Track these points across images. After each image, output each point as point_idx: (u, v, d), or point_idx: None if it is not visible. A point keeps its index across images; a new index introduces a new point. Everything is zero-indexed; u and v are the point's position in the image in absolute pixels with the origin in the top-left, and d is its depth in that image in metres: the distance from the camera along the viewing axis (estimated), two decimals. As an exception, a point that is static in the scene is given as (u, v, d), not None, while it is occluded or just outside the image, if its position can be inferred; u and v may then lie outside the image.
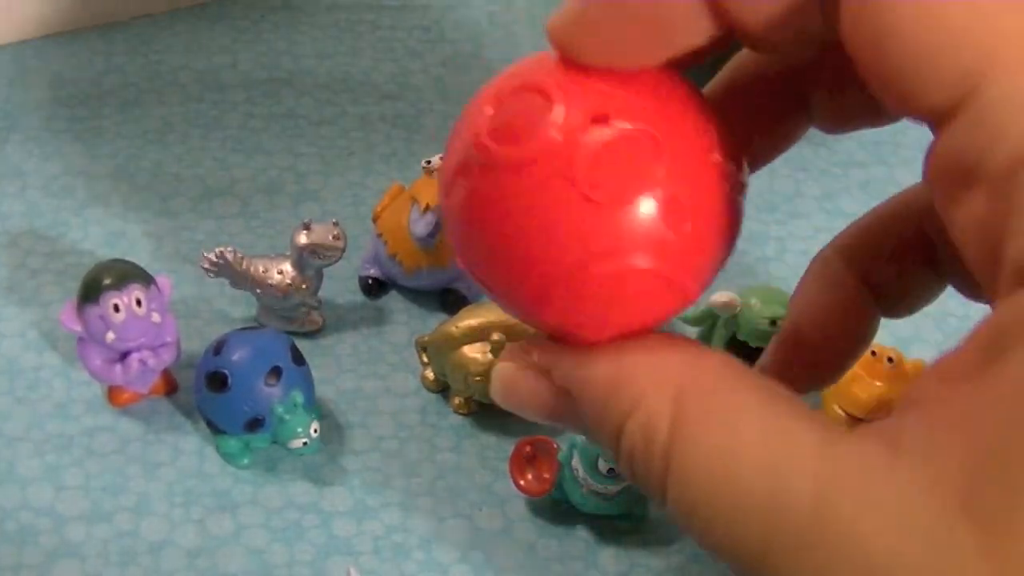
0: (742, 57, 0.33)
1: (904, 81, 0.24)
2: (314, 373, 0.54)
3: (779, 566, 0.24)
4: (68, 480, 0.53)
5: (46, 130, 0.68)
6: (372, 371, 0.58)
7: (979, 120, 0.23)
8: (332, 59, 0.74)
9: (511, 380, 0.32)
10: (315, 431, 0.51)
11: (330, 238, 0.56)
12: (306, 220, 0.56)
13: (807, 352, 0.35)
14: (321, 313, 0.59)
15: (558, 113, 0.24)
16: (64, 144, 0.67)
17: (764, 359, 0.35)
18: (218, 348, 0.52)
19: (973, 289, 0.31)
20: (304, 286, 0.57)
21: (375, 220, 0.60)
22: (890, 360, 0.52)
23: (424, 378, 0.57)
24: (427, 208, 0.57)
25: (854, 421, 0.54)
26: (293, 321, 0.58)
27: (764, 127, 0.32)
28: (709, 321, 0.56)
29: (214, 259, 0.57)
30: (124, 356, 0.52)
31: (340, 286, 0.61)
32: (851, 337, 0.35)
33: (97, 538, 0.51)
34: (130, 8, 0.75)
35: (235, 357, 0.51)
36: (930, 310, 0.63)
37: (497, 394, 0.32)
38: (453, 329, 0.54)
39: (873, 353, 0.53)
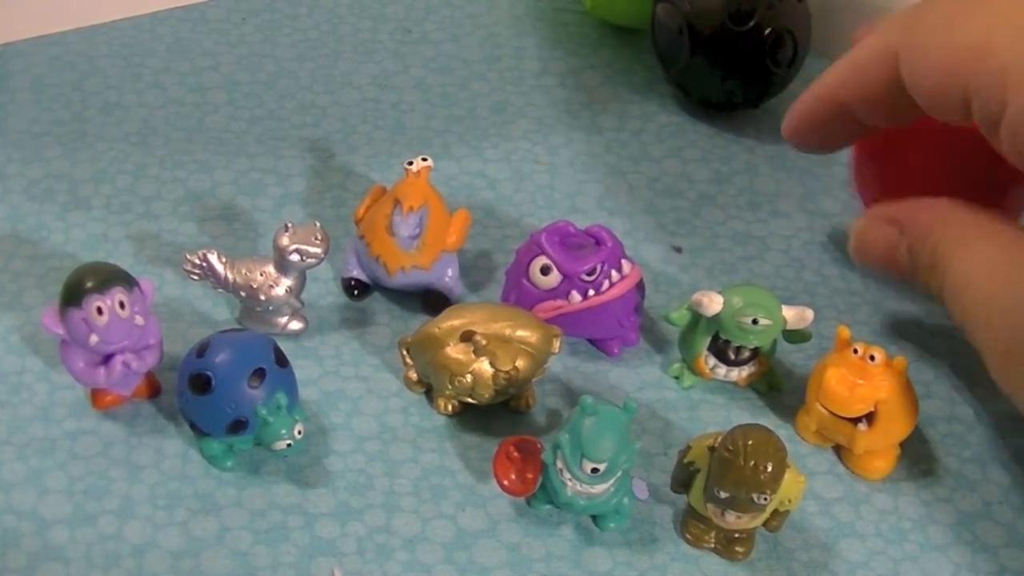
0: None
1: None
2: (297, 375, 0.54)
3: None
4: (51, 483, 0.52)
5: (27, 133, 0.68)
6: (355, 372, 0.58)
7: None
8: (314, 61, 0.74)
9: (863, 229, 0.56)
10: (299, 433, 0.51)
11: (312, 240, 0.56)
12: (288, 222, 0.56)
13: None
14: (304, 315, 0.59)
15: None
16: (46, 147, 0.67)
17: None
18: (201, 350, 0.52)
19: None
20: (286, 288, 0.57)
21: (357, 222, 0.60)
22: (872, 358, 0.53)
23: (407, 379, 0.57)
24: (410, 209, 0.57)
25: (838, 420, 0.54)
26: (276, 323, 0.58)
27: None
28: (692, 320, 0.56)
29: (196, 261, 0.57)
30: (107, 359, 0.52)
31: (322, 288, 0.61)
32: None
33: (80, 541, 0.51)
34: (112, 11, 0.75)
35: (218, 359, 0.51)
36: (913, 309, 0.63)
37: (852, 244, 0.56)
38: (436, 330, 0.54)
39: (855, 351, 0.53)
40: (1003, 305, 0.48)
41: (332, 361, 0.58)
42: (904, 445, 0.55)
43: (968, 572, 0.52)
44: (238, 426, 0.51)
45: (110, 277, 0.51)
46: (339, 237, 0.61)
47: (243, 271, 0.57)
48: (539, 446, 0.52)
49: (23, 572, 0.50)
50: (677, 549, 0.52)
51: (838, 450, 0.56)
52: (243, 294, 0.57)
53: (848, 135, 0.58)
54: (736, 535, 0.51)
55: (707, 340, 0.56)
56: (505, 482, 0.51)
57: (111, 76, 0.71)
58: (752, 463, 0.47)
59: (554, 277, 0.56)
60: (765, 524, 0.51)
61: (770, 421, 0.57)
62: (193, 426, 0.53)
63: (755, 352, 0.57)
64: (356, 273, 0.60)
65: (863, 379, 0.53)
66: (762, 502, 0.48)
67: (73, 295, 0.50)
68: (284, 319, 0.58)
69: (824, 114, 0.56)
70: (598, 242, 0.57)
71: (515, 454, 0.52)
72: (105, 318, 0.50)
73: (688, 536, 0.52)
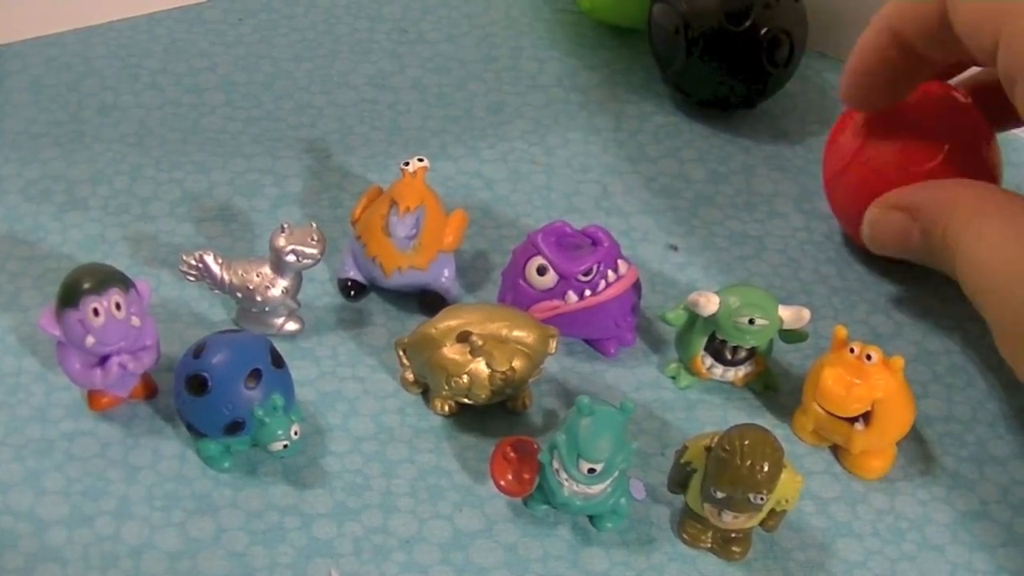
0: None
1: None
2: (294, 375, 0.54)
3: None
4: (48, 485, 0.52)
5: (24, 134, 0.68)
6: (352, 373, 0.58)
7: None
8: (311, 61, 0.74)
9: (876, 218, 0.57)
10: (295, 433, 0.51)
11: (308, 240, 0.56)
12: (284, 222, 0.56)
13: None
14: (300, 316, 0.59)
15: None
16: (43, 148, 0.67)
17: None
18: (197, 351, 0.52)
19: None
20: (283, 289, 0.57)
21: (353, 222, 0.60)
22: (868, 357, 0.53)
23: (404, 379, 0.57)
24: (406, 210, 0.57)
25: (835, 420, 0.54)
26: (272, 324, 0.58)
27: None
28: (688, 320, 0.56)
29: (193, 262, 0.57)
30: (104, 360, 0.52)
31: (319, 288, 0.61)
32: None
33: (78, 542, 0.51)
34: (109, 12, 0.75)
35: (215, 360, 0.51)
36: (911, 308, 0.63)
37: (866, 232, 0.58)
38: (432, 331, 0.54)
39: (852, 350, 0.53)
40: (1008, 279, 0.49)
41: (329, 362, 0.58)
42: (901, 445, 0.55)
43: (965, 572, 0.52)
44: (235, 427, 0.51)
45: (107, 278, 0.51)
46: (336, 238, 0.62)
47: (239, 272, 0.57)
48: (536, 446, 0.52)
49: (20, 573, 0.50)
50: (674, 549, 0.52)
51: (835, 450, 0.56)
52: (239, 295, 0.57)
53: (908, 77, 0.58)
54: (733, 535, 0.51)
55: (704, 340, 0.56)
56: (502, 482, 0.51)
57: (108, 77, 0.71)
58: (749, 463, 0.47)
59: (550, 277, 0.56)
60: (762, 524, 0.51)
61: (767, 421, 0.57)
62: (190, 427, 0.53)
63: (752, 352, 0.57)
64: (352, 274, 0.60)
65: (860, 379, 0.53)
66: (759, 502, 0.48)
67: (70, 296, 0.50)
68: (280, 320, 0.58)
69: (882, 48, 0.57)
70: (595, 242, 0.57)
71: (512, 454, 0.52)
72: (101, 319, 0.50)
73: (685, 536, 0.52)
